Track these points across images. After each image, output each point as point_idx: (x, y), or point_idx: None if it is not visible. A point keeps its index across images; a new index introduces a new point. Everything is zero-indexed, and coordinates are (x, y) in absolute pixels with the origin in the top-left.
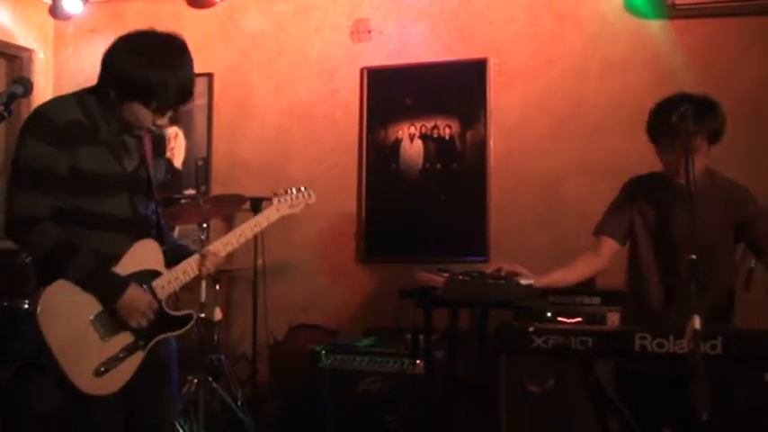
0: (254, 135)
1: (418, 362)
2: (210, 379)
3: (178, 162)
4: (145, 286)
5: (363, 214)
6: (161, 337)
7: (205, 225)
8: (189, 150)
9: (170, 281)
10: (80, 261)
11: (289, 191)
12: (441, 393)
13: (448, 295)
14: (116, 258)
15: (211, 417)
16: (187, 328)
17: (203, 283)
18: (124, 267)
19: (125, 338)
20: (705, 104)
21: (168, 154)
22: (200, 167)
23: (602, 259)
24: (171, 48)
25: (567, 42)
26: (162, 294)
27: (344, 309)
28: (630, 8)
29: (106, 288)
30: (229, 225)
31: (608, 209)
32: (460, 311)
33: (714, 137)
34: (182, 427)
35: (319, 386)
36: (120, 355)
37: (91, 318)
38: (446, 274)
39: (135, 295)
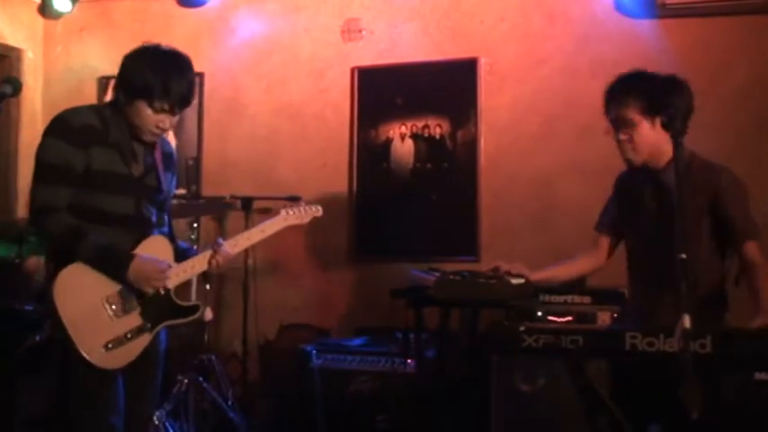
0: (245, 134)
1: (409, 361)
2: (201, 379)
3: None
4: None
5: (354, 214)
6: (167, 323)
7: (195, 225)
8: (179, 150)
9: (178, 273)
10: (89, 241)
11: (298, 205)
12: (431, 393)
13: (439, 295)
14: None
15: (202, 416)
16: (194, 317)
17: (194, 283)
18: None
19: (134, 320)
20: (627, 78)
21: None
22: (190, 167)
23: (600, 256)
24: (176, 56)
25: (558, 42)
26: (170, 284)
27: (335, 308)
28: (621, 8)
29: (115, 263)
30: (220, 225)
31: (605, 206)
32: (451, 311)
33: (649, 110)
34: (172, 427)
35: (310, 386)
36: (128, 335)
37: (103, 297)
38: (437, 274)
39: (140, 263)
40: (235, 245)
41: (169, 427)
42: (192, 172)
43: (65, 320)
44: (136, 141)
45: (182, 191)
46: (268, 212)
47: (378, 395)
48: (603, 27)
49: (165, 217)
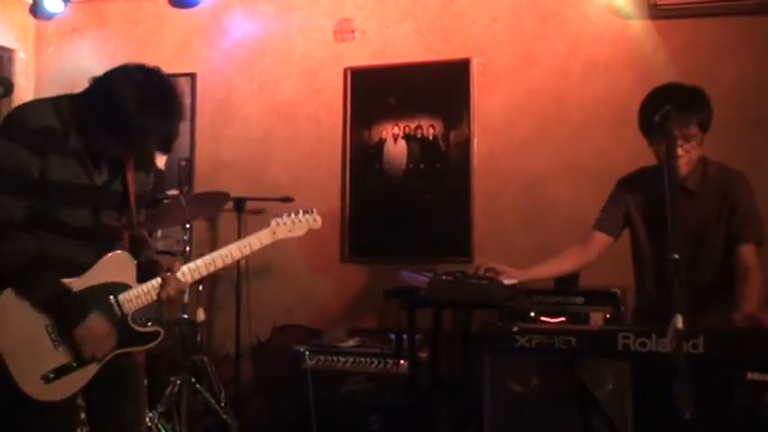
0: (238, 135)
1: (402, 362)
2: (194, 380)
3: (161, 162)
4: (111, 298)
5: (347, 214)
6: (120, 351)
7: (188, 226)
8: (171, 150)
9: (138, 296)
10: (42, 284)
11: (290, 214)
12: (425, 393)
13: (431, 295)
14: (78, 265)
15: (195, 418)
16: (151, 345)
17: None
18: (94, 276)
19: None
20: (691, 96)
21: None
22: (182, 168)
23: (590, 252)
24: (165, 100)
25: (550, 42)
26: (129, 308)
27: (328, 309)
28: (613, 8)
29: (68, 314)
30: (212, 226)
31: (603, 207)
32: (444, 311)
33: (704, 126)
34: (164, 429)
35: (303, 387)
36: (73, 365)
37: (45, 324)
38: (430, 275)
39: (94, 324)
40: (194, 270)
41: (162, 429)
42: (184, 173)
43: (1, 349)
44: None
45: (174, 191)
46: (261, 213)
47: (371, 396)
48: (596, 27)
49: (129, 217)
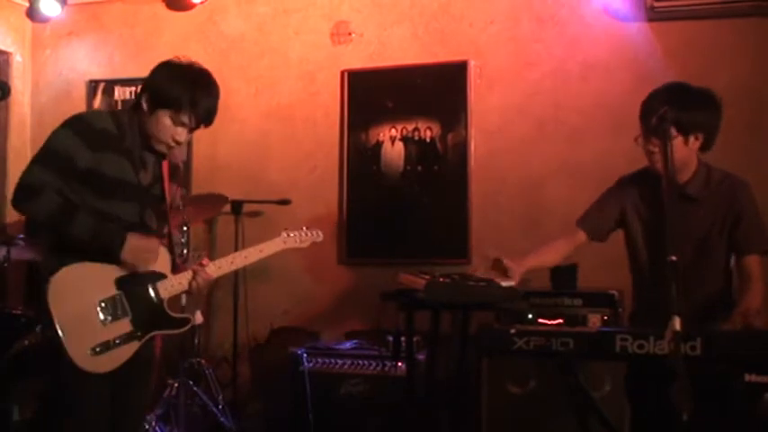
0: (235, 138)
1: (400, 364)
2: (191, 382)
3: None
4: (150, 285)
5: (344, 216)
6: (157, 332)
7: (185, 228)
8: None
9: (173, 285)
10: (82, 218)
11: (300, 230)
12: (422, 395)
13: (429, 297)
14: None
15: (192, 420)
16: (183, 329)
17: None
18: None
19: (124, 327)
20: (692, 98)
21: None
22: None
23: (571, 247)
24: (207, 75)
25: (548, 45)
26: (165, 294)
27: (326, 311)
28: (610, 10)
29: (109, 238)
30: (210, 228)
31: (595, 202)
32: (442, 313)
33: (693, 129)
34: (162, 431)
35: (301, 389)
36: (117, 341)
37: (96, 301)
38: (427, 276)
39: (136, 239)
40: (219, 267)
41: (159, 431)
42: (181, 175)
43: (56, 321)
44: (147, 150)
45: None
46: (258, 216)
47: (368, 398)
48: (593, 30)
49: (164, 223)
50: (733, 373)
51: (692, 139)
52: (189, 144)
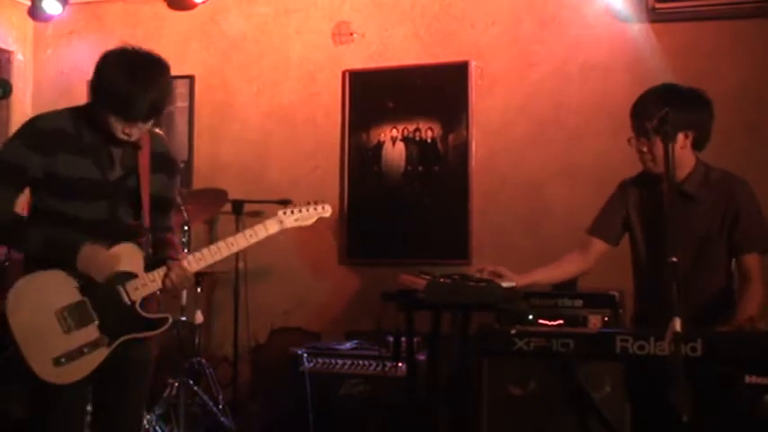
0: (236, 137)
1: (400, 364)
2: (191, 382)
3: None
4: (120, 287)
5: (345, 217)
6: (128, 337)
7: (186, 228)
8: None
9: (145, 284)
10: (33, 234)
11: (302, 206)
12: (423, 396)
13: (429, 298)
14: None
15: (192, 420)
16: (158, 332)
17: None
18: None
19: (90, 334)
20: (683, 97)
21: None
22: (181, 170)
23: (589, 259)
24: (148, 65)
25: (549, 45)
26: (136, 296)
27: (326, 311)
28: (611, 11)
29: (63, 252)
30: (210, 228)
31: (602, 208)
32: (442, 314)
33: (691, 128)
34: (162, 431)
35: (301, 389)
36: (84, 350)
37: (57, 310)
38: (428, 277)
39: (88, 250)
40: (200, 258)
41: (159, 431)
42: (182, 175)
43: (15, 333)
44: (113, 144)
45: None
46: (259, 216)
47: (369, 398)
48: (594, 31)
49: (159, 219)
50: (733, 375)
51: (681, 136)
52: (190, 143)
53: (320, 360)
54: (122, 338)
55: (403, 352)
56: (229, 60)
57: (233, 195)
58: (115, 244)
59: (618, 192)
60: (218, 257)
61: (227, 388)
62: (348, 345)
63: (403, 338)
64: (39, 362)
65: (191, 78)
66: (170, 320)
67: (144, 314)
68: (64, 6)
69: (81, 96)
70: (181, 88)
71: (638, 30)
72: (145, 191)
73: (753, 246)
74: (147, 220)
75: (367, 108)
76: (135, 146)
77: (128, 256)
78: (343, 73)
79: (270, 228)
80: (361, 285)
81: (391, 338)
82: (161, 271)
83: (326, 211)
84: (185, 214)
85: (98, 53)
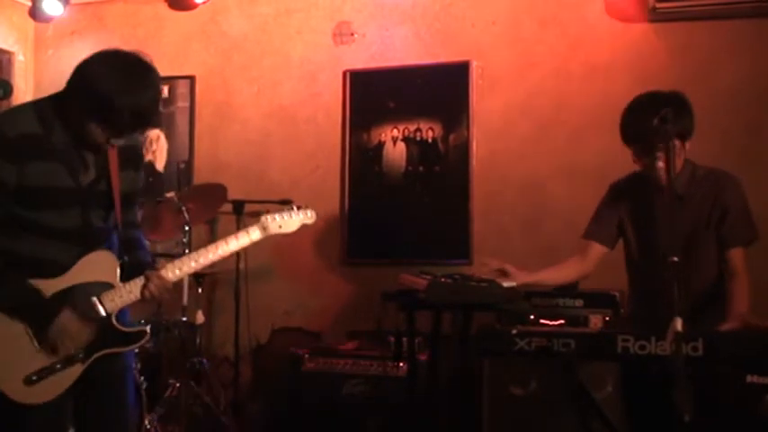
0: (236, 138)
1: (401, 364)
2: (193, 382)
3: (160, 165)
4: (94, 298)
5: (346, 217)
6: (104, 352)
7: (187, 228)
8: (170, 153)
9: (120, 295)
10: (8, 290)
11: (282, 212)
12: (424, 396)
13: (430, 298)
14: (60, 266)
15: (193, 420)
16: (135, 346)
17: (185, 286)
18: (75, 276)
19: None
20: (679, 103)
21: (150, 157)
22: (181, 170)
23: (588, 263)
24: (143, 72)
25: (550, 45)
26: (112, 308)
27: (327, 311)
28: (612, 11)
29: (35, 316)
30: (211, 228)
31: (595, 212)
32: (443, 314)
33: (687, 134)
34: (163, 431)
35: (302, 389)
36: (57, 366)
37: (26, 326)
38: (428, 277)
39: (65, 321)
40: (180, 267)
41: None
42: (183, 175)
43: None
44: (84, 147)
45: (172, 194)
46: (260, 216)
47: (370, 398)
48: (595, 31)
49: (127, 215)
50: (734, 374)
51: (677, 143)
52: (191, 144)
53: (321, 360)
54: (99, 353)
55: (404, 352)
56: (230, 60)
57: (233, 195)
58: (88, 251)
59: (609, 196)
60: (199, 266)
61: (229, 388)
62: (349, 345)
63: (404, 338)
64: (8, 381)
65: (191, 79)
66: (148, 333)
67: (121, 327)
68: (65, 7)
69: None
70: (181, 88)
71: (638, 30)
72: (116, 191)
73: (738, 240)
74: (119, 221)
75: (368, 108)
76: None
77: (102, 264)
78: (344, 73)
79: (252, 234)
80: (361, 285)
81: (392, 338)
82: (139, 281)
83: (311, 217)
84: (186, 215)
85: None
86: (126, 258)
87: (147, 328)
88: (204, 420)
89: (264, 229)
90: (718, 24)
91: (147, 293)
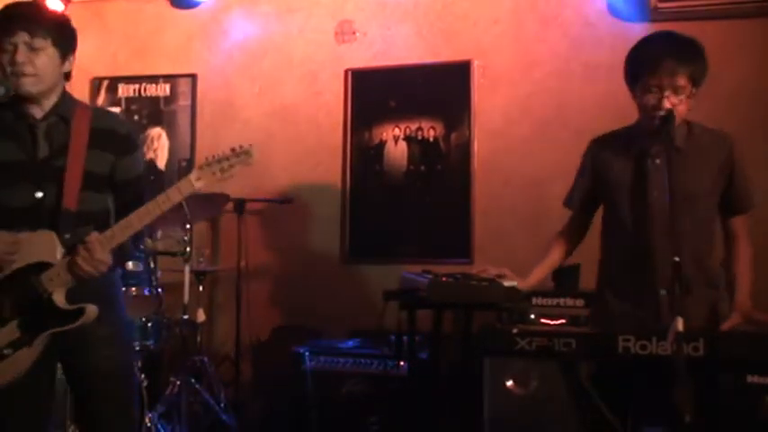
0: (238, 137)
1: (402, 363)
2: (193, 380)
3: (161, 163)
4: (32, 279)
5: (347, 216)
6: (51, 331)
7: (188, 226)
8: (172, 151)
9: (58, 273)
10: None
11: (220, 157)
12: (424, 395)
13: (431, 297)
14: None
15: (194, 418)
16: (77, 324)
17: (186, 285)
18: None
19: (11, 333)
20: (690, 45)
21: (151, 155)
22: (183, 169)
23: (572, 234)
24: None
25: (551, 45)
26: (52, 286)
27: (328, 310)
28: (613, 11)
29: None
30: (213, 226)
31: (575, 178)
32: (444, 313)
33: (698, 80)
34: (164, 429)
35: (303, 387)
36: (5, 351)
37: None
38: (430, 276)
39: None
40: (111, 237)
41: (161, 429)
42: (184, 174)
43: None
44: (40, 119)
45: None
46: (261, 214)
47: (370, 397)
48: (596, 30)
49: (126, 204)
50: (735, 375)
51: (689, 87)
52: (192, 142)
53: (322, 358)
54: (45, 334)
55: (405, 351)
56: (232, 59)
57: (235, 194)
58: (36, 229)
59: (588, 154)
60: (130, 232)
61: (229, 386)
62: (350, 343)
63: (405, 337)
64: None
65: (193, 77)
66: (88, 310)
67: (61, 306)
68: (66, 5)
69: (84, 94)
70: (183, 87)
71: (640, 29)
72: (74, 170)
73: (743, 207)
74: (72, 202)
75: (369, 107)
76: (64, 120)
77: (41, 244)
78: (346, 72)
79: (183, 189)
80: (362, 284)
81: (393, 337)
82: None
83: (249, 157)
84: (187, 213)
85: (101, 51)
86: (68, 236)
87: (91, 306)
88: (205, 418)
89: (199, 178)
90: (721, 24)
91: (76, 269)
